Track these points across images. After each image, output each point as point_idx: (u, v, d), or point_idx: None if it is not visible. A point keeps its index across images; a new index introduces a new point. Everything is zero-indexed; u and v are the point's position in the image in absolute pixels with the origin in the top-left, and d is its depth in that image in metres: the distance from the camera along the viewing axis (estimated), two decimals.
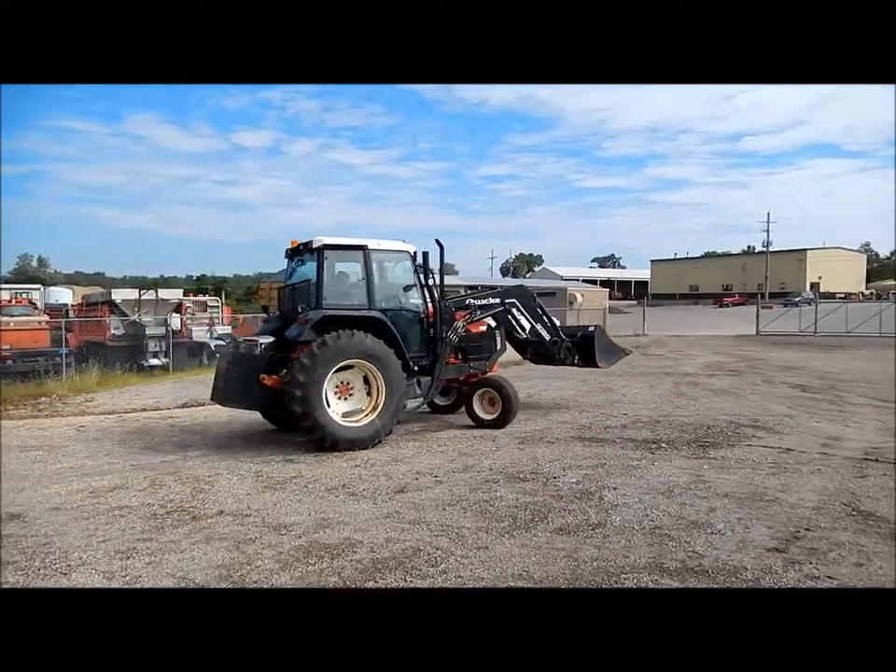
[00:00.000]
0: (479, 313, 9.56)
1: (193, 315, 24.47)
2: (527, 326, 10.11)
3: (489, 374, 9.52)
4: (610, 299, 56.47)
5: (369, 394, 8.11)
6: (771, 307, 39.75)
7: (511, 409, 8.99)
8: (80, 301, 28.89)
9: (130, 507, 5.83)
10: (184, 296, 26.24)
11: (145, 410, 12.28)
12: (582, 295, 46.49)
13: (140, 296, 22.79)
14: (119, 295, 23.46)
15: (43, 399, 13.33)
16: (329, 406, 7.79)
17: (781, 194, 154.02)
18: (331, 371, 7.78)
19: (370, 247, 8.38)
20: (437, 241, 8.84)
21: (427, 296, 8.76)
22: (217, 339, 23.84)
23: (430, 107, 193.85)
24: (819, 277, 74.90)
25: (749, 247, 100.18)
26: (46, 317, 23.06)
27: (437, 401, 10.07)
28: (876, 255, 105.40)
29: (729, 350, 20.73)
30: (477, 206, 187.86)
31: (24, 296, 30.44)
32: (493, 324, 9.85)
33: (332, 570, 4.27)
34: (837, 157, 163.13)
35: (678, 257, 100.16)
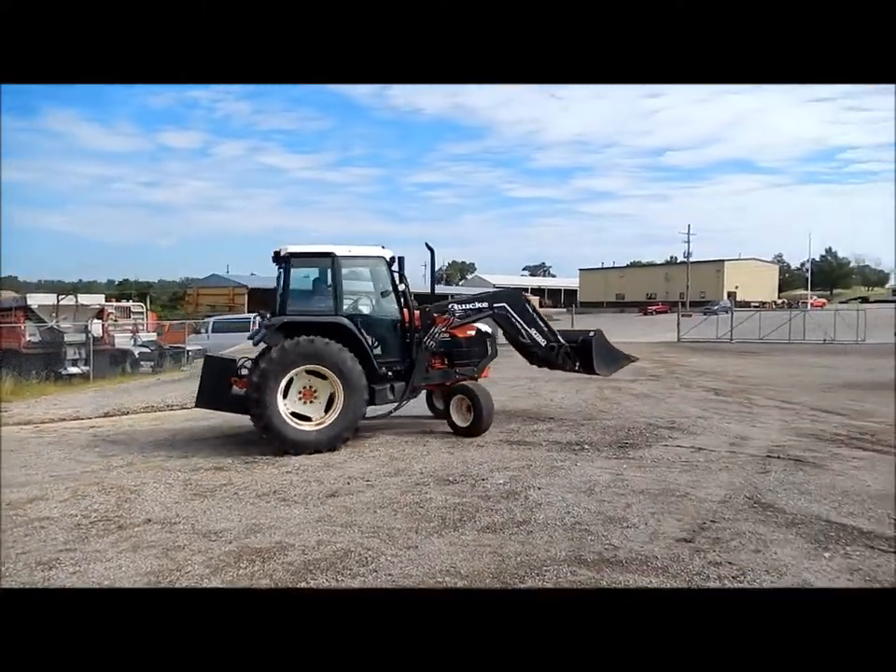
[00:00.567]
0: (457, 316, 9.40)
1: (116, 321, 23.63)
2: (521, 330, 9.79)
3: (465, 381, 9.18)
4: (541, 306, 57.63)
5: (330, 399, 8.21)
6: (691, 315, 41.62)
7: (481, 416, 8.72)
8: None
9: (50, 518, 5.68)
10: (106, 301, 25.28)
11: (63, 420, 11.82)
12: None
13: (58, 301, 21.85)
14: (34, 300, 22.43)
15: None
16: (285, 410, 7.92)
17: (700, 207, 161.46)
18: (286, 377, 7.92)
19: (337, 254, 8.50)
20: (427, 245, 8.94)
21: (403, 301, 8.80)
22: (141, 346, 23.14)
23: (362, 113, 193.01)
24: (736, 287, 78.95)
25: (671, 258, 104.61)
26: None
27: (439, 406, 10.03)
28: (788, 266, 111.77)
29: (651, 356, 21.62)
30: (411, 213, 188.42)
31: None
32: (484, 329, 9.76)
33: (264, 573, 4.32)
34: (751, 173, 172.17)
35: (605, 266, 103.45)
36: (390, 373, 8.71)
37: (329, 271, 8.57)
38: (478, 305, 9.74)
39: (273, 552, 4.72)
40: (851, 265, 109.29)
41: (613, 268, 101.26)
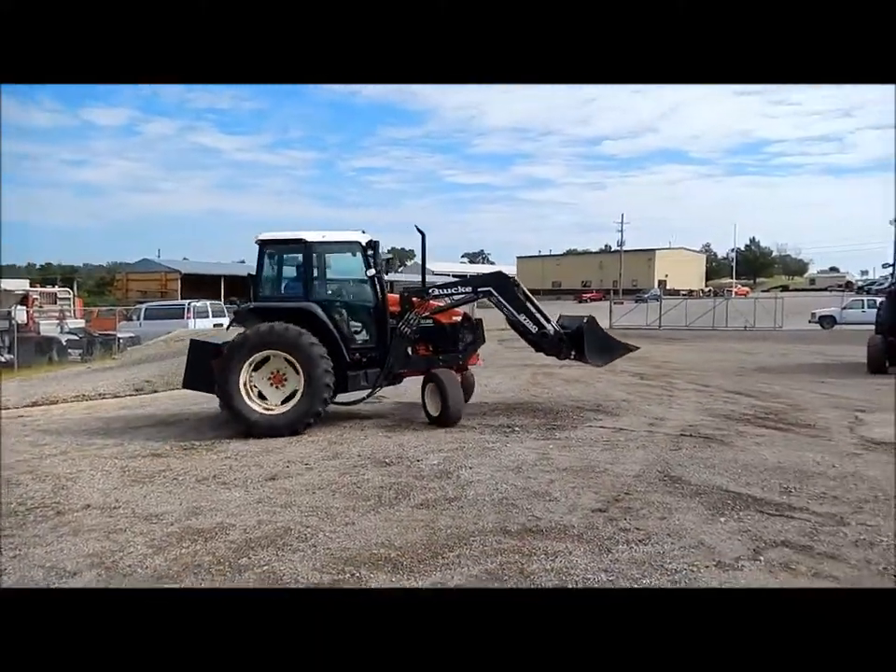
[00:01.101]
0: (437, 300, 9.24)
1: (41, 307, 22.78)
2: (509, 316, 9.27)
3: (440, 369, 8.85)
4: None
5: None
6: (622, 303, 43.04)
7: (448, 405, 8.41)
8: None
9: None
10: (31, 286, 24.30)
11: None
12: None
13: None
14: None
15: None
16: (248, 393, 8.24)
17: (635, 196, 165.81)
18: (247, 361, 8.23)
19: (309, 240, 8.70)
20: (417, 228, 8.94)
21: (379, 286, 8.86)
22: (69, 333, 22.41)
23: (298, 94, 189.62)
24: (666, 275, 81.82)
25: (606, 246, 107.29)
26: None
27: None
28: (715, 255, 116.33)
29: None
30: (352, 198, 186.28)
31: None
32: (471, 314, 9.53)
33: (206, 551, 4.53)
34: (683, 163, 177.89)
35: (542, 254, 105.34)
36: (365, 359, 8.80)
37: (302, 256, 8.79)
38: (461, 289, 9.47)
39: (214, 532, 4.92)
40: (774, 255, 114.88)
41: (550, 256, 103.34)
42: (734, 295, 50.65)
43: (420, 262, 9.56)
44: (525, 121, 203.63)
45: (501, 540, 4.57)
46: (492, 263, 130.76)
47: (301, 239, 8.75)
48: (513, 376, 13.97)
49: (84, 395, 12.98)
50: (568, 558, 4.21)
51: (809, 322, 30.75)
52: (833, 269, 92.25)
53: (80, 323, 24.10)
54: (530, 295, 9.47)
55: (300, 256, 8.88)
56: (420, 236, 8.99)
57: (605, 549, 4.35)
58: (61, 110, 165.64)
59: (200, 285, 47.62)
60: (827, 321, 30.53)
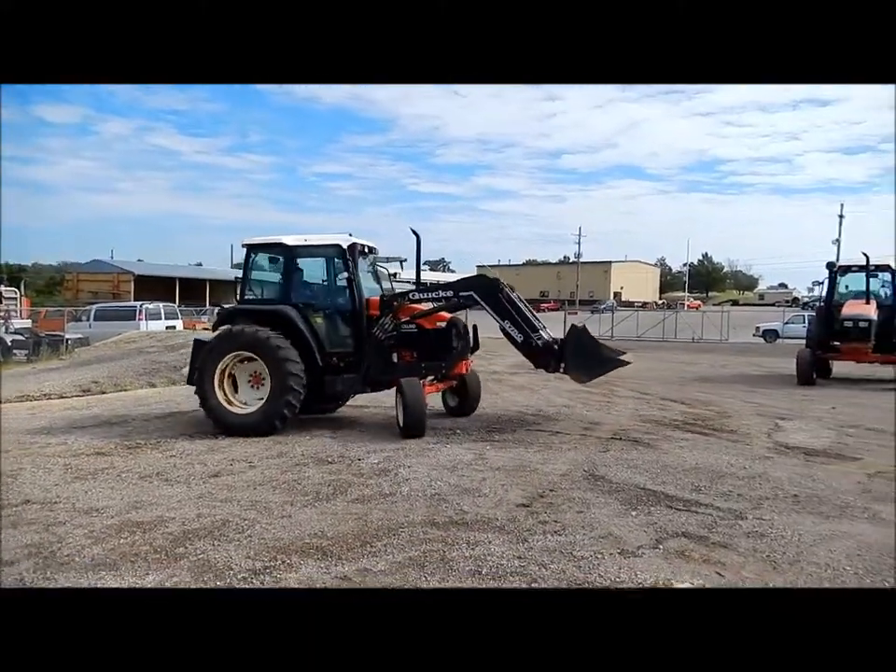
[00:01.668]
0: (416, 304, 8.94)
1: None
2: (496, 322, 8.70)
3: (403, 378, 8.38)
4: None
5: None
6: (577, 313, 43.90)
7: (408, 414, 8.09)
8: None
9: None
10: None
11: None
12: None
13: None
14: None
15: None
16: (222, 394, 8.59)
17: (593, 210, 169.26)
18: (220, 362, 8.57)
19: (287, 244, 8.95)
20: (412, 230, 8.95)
21: (357, 290, 8.82)
22: (14, 333, 21.93)
23: (258, 98, 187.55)
24: (621, 287, 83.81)
25: (564, 257, 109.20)
26: None
27: (451, 403, 9.85)
28: (670, 269, 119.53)
29: None
30: (313, 203, 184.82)
31: None
32: (459, 320, 9.12)
33: (144, 542, 4.71)
34: (640, 179, 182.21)
35: (501, 263, 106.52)
36: (342, 364, 8.84)
37: (282, 260, 9.03)
38: (441, 294, 9.04)
39: (153, 524, 5.10)
40: (725, 270, 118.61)
41: (509, 265, 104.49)
42: (685, 308, 52.15)
43: (414, 265, 9.27)
44: (487, 133, 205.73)
45: (428, 531, 4.86)
46: (453, 272, 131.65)
47: (280, 243, 9.00)
48: None
49: (28, 395, 12.83)
50: (487, 547, 4.52)
51: (753, 335, 31.97)
52: (782, 285, 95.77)
53: (27, 323, 23.60)
54: (521, 301, 8.83)
55: (281, 259, 9.09)
56: (415, 238, 8.96)
57: (522, 539, 4.68)
58: (7, 105, 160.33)
59: (154, 287, 46.83)
60: (770, 335, 31.76)
